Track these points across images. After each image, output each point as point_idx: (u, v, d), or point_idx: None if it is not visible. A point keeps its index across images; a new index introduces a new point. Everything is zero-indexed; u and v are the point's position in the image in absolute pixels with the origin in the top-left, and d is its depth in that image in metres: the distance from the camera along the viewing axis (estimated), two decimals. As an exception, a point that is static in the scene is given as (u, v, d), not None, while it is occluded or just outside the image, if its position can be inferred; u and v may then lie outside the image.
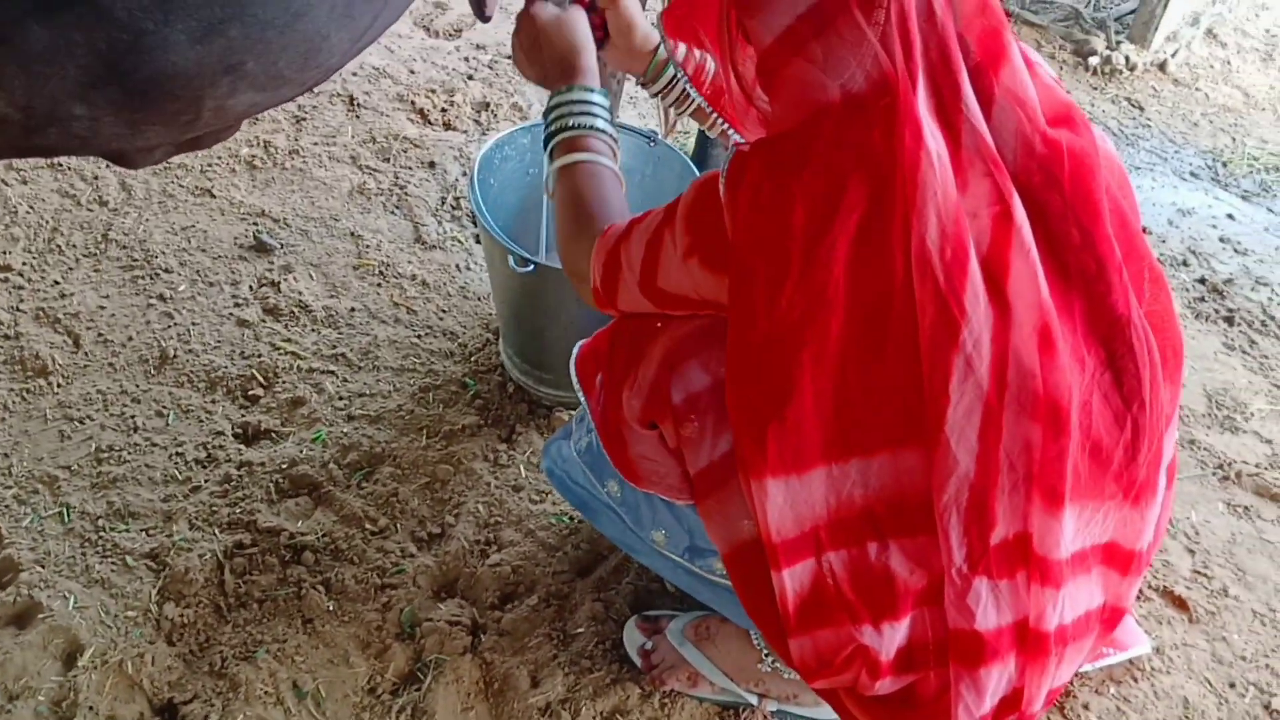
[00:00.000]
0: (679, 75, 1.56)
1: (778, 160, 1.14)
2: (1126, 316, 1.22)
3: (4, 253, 2.17)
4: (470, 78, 2.85)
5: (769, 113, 1.24)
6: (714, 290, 1.22)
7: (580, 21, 1.51)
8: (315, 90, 2.69)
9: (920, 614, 1.25)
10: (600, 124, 1.45)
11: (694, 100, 1.59)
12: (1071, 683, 1.66)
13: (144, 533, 1.74)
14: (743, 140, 1.51)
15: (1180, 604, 1.82)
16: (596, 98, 1.46)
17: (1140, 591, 1.82)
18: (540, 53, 1.52)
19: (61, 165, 2.38)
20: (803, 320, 1.13)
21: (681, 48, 1.55)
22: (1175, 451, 1.48)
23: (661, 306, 1.30)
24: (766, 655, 1.53)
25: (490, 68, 2.90)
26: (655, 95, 1.62)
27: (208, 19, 1.12)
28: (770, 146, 1.16)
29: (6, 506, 1.75)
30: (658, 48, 1.58)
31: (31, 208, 2.28)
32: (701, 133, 2.27)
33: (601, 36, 1.54)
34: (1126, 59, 3.30)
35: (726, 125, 1.62)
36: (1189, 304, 2.47)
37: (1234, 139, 3.10)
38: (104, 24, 1.07)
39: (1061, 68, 3.29)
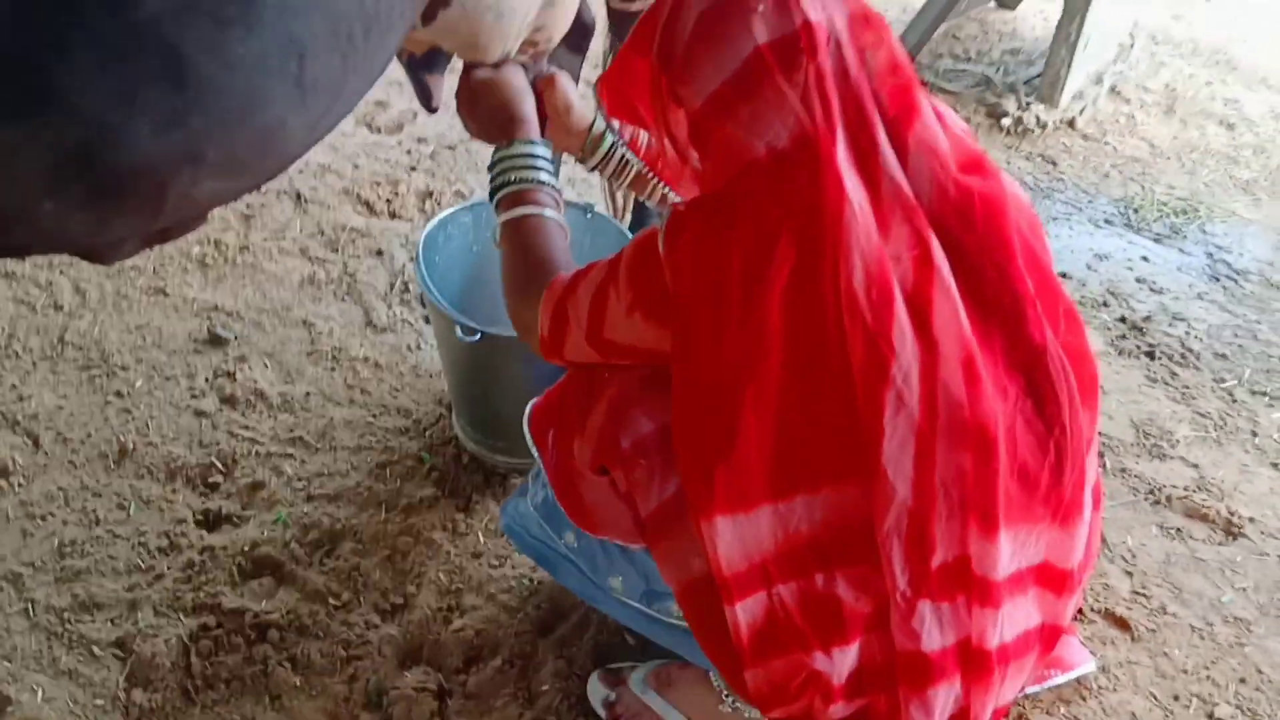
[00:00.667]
0: (617, 142, 1.65)
1: (713, 216, 1.23)
2: (1043, 346, 1.31)
3: (-40, 360, 2.20)
4: (413, 169, 2.95)
5: (702, 171, 1.34)
6: (657, 341, 1.30)
7: (515, 74, 1.58)
8: (263, 189, 2.76)
9: (869, 639, 1.31)
10: (543, 176, 1.52)
11: (633, 167, 1.68)
12: (1023, 704, 1.72)
13: (109, 622, 1.76)
14: (679, 200, 1.60)
15: (1122, 624, 1.90)
16: (538, 149, 1.54)
17: (1082, 613, 1.89)
18: (480, 110, 1.59)
19: (15, 274, 2.43)
20: (743, 363, 1.21)
21: (615, 122, 1.64)
22: (1099, 475, 1.56)
23: (608, 357, 1.38)
24: (727, 696, 1.58)
25: (432, 159, 3.00)
26: (594, 169, 1.71)
27: (169, 110, 1.18)
28: (705, 204, 1.25)
29: (-29, 606, 1.77)
30: (592, 124, 1.67)
31: (-14, 316, 2.32)
32: (638, 204, 2.37)
33: (541, 113, 1.63)
34: (1037, 118, 3.47)
35: (665, 188, 1.71)
36: (1111, 342, 2.59)
37: (1143, 187, 3.27)
38: (71, 121, 1.13)
39: (977, 130, 3.45)
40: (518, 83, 1.58)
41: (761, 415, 1.23)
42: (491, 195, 1.54)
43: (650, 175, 1.71)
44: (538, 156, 1.53)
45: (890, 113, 1.26)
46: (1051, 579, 1.41)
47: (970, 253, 1.28)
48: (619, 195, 2.39)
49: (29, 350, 2.26)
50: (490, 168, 1.55)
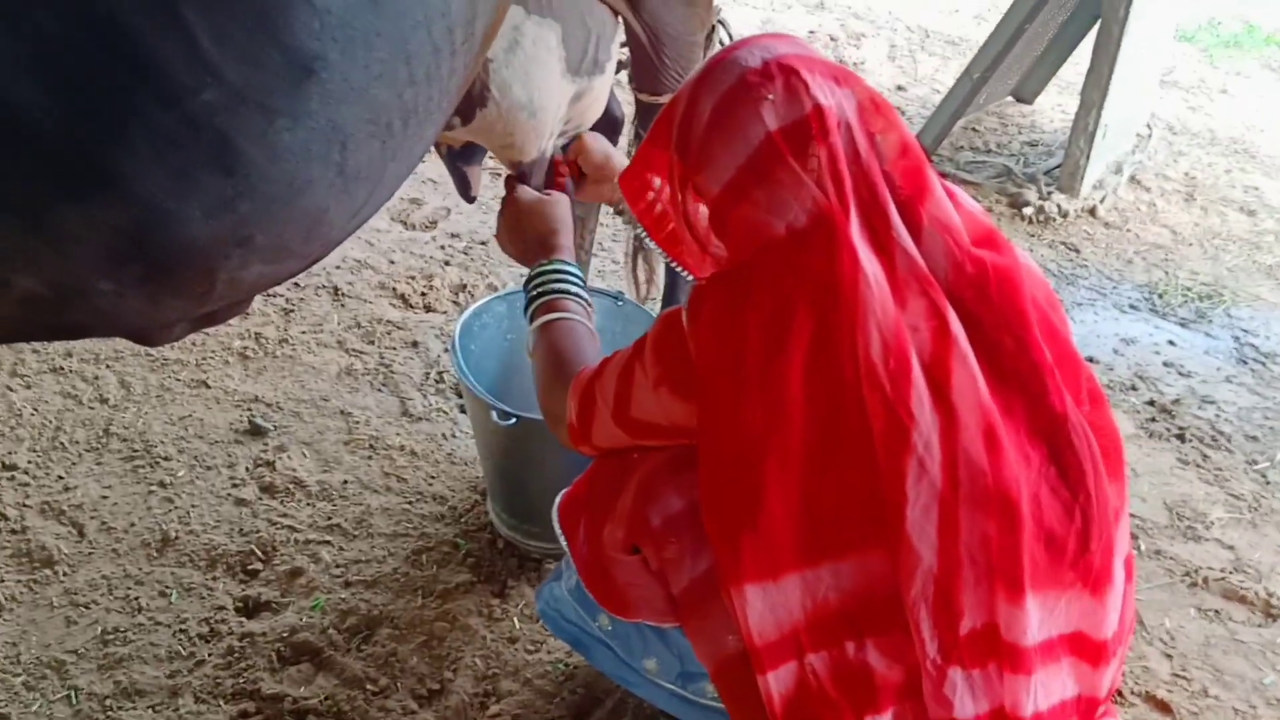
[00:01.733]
0: (639, 229, 1.72)
1: (733, 290, 1.28)
2: (1064, 414, 1.32)
3: (10, 453, 2.26)
4: (447, 263, 3.03)
5: (723, 255, 1.38)
6: (683, 415, 1.33)
7: (558, 205, 1.67)
8: (301, 284, 2.85)
9: (902, 707, 1.31)
10: (575, 289, 1.60)
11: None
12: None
13: (151, 709, 1.78)
14: (686, 272, 1.65)
15: (1164, 707, 1.87)
16: (572, 269, 1.62)
17: (1123, 696, 1.87)
18: (522, 232, 1.68)
19: (62, 369, 2.50)
20: (765, 432, 1.24)
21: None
22: (1131, 549, 1.57)
23: (635, 436, 1.41)
24: (764, 776, 1.57)
25: (465, 253, 3.08)
26: (628, 223, 1.78)
27: (220, 195, 1.25)
28: (725, 279, 1.30)
29: (16, 693, 1.79)
30: None
31: (35, 409, 2.39)
32: (668, 288, 2.43)
33: (577, 176, 1.71)
34: (1058, 207, 3.53)
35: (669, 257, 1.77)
36: (1141, 425, 2.60)
37: (1167, 272, 3.30)
38: (128, 203, 1.19)
39: (999, 219, 3.51)
40: (561, 213, 1.67)
41: (785, 483, 1.25)
42: (526, 307, 1.60)
43: (655, 248, 1.78)
44: (571, 274, 1.61)
45: (903, 192, 1.30)
46: (1086, 649, 1.41)
47: (987, 324, 1.30)
48: (641, 276, 2.45)
49: (75, 442, 2.32)
50: (526, 283, 1.62)
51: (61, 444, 2.31)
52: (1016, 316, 1.32)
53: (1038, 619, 1.32)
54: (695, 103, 1.33)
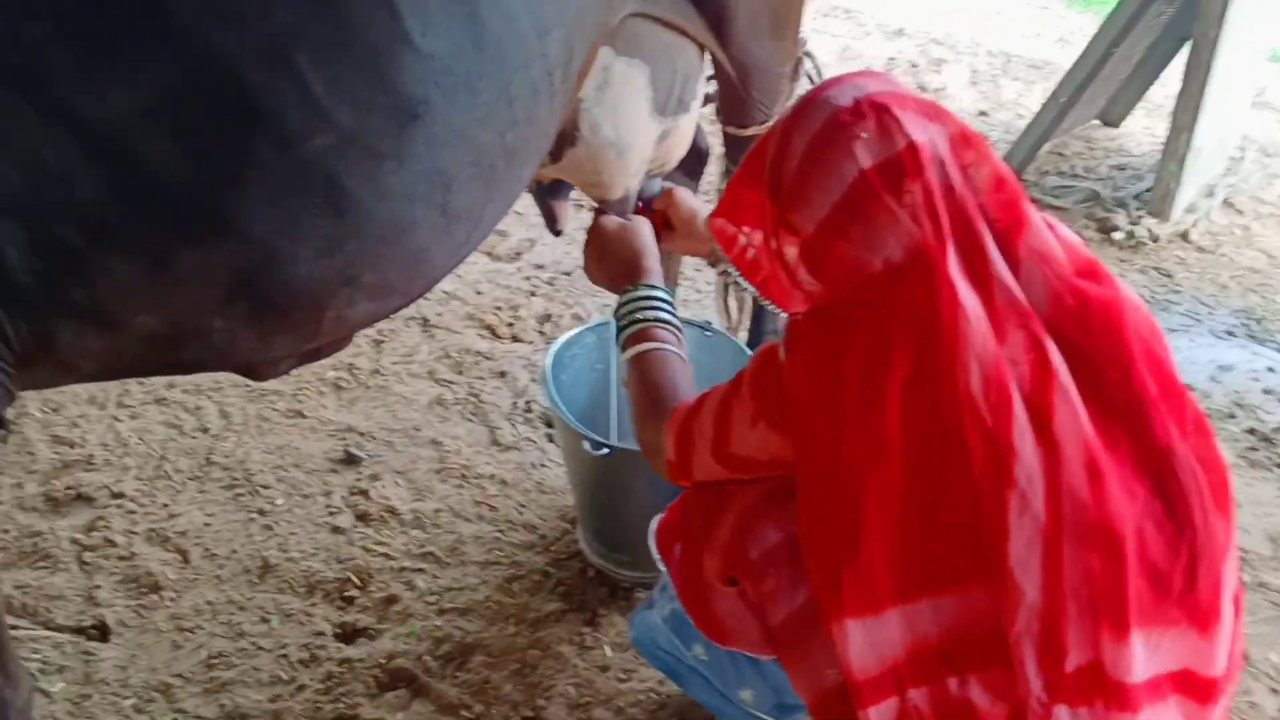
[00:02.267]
0: (732, 271, 1.73)
1: (830, 325, 1.28)
2: (1170, 448, 1.30)
3: (117, 481, 2.34)
4: (533, 294, 3.08)
5: (816, 291, 1.39)
6: (781, 450, 1.34)
7: (643, 229, 1.69)
8: (392, 315, 2.90)
9: (1006, 746, 1.30)
10: (666, 316, 1.61)
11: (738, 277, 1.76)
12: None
13: (254, 733, 1.83)
14: (778, 310, 1.66)
15: (1271, 745, 1.83)
16: (661, 294, 1.63)
17: (1229, 734, 1.83)
18: (608, 259, 1.70)
19: (166, 399, 2.59)
20: (864, 467, 1.24)
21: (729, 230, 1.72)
22: (1240, 584, 1.53)
23: (733, 471, 1.42)
24: (861, 810, 1.56)
25: (550, 284, 3.13)
26: (721, 273, 1.79)
27: (329, 236, 1.29)
28: (822, 314, 1.30)
29: (126, 716, 1.85)
30: None
31: (141, 439, 2.47)
32: (754, 321, 2.44)
33: (665, 227, 1.73)
34: (1149, 231, 3.46)
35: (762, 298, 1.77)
36: (1241, 454, 2.53)
37: (1264, 298, 3.22)
38: (243, 245, 1.24)
39: (1089, 244, 3.44)
40: (645, 237, 1.68)
41: (884, 518, 1.25)
42: (618, 335, 1.62)
43: (750, 289, 1.78)
44: (660, 299, 1.62)
45: (999, 225, 1.30)
46: (1193, 687, 1.37)
47: (1089, 357, 1.29)
48: (731, 308, 2.47)
49: (179, 470, 2.40)
50: (616, 310, 1.64)
51: (166, 472, 2.39)
52: (1119, 349, 1.30)
53: (1143, 656, 1.29)
54: (787, 142, 1.33)
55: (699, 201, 1.77)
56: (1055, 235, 1.34)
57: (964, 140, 1.31)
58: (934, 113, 1.30)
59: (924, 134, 1.27)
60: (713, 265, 1.80)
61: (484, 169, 1.42)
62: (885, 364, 1.23)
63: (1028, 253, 1.29)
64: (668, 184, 1.81)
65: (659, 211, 1.75)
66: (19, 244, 1.11)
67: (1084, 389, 1.27)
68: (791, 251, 1.38)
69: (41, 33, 1.06)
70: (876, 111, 1.27)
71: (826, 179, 1.29)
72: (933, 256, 1.24)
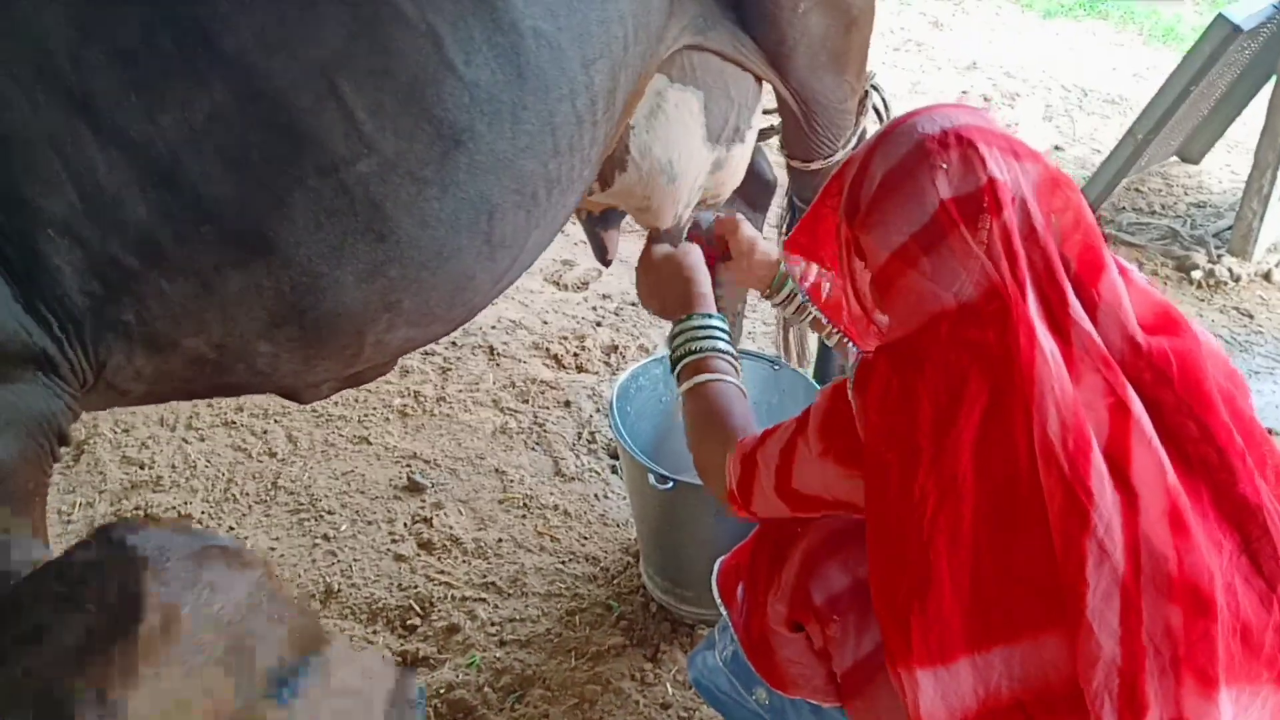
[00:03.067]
0: (799, 292, 1.71)
1: (902, 363, 1.25)
2: (1258, 503, 1.25)
3: (185, 503, 2.37)
4: (599, 324, 3.08)
5: (887, 323, 1.37)
6: (847, 490, 1.31)
7: (693, 256, 1.67)
8: (458, 344, 2.93)
9: (1084, 804, 1.25)
10: (721, 345, 1.59)
11: (811, 311, 1.74)
12: None
13: (312, 759, 1.82)
14: (854, 346, 1.64)
15: (1361, 811, 1.74)
16: (715, 322, 1.61)
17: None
18: (660, 287, 1.69)
19: (234, 423, 2.62)
20: (936, 509, 1.21)
21: (800, 265, 1.70)
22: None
23: (795, 509, 1.39)
24: None
25: (616, 314, 3.12)
26: (776, 305, 1.77)
27: (371, 261, 1.31)
28: (893, 351, 1.28)
29: (187, 737, 1.86)
30: (778, 263, 1.74)
31: (209, 462, 2.50)
32: (819, 360, 2.41)
33: (724, 257, 1.72)
34: (1230, 270, 3.38)
35: (840, 334, 1.75)
36: (1327, 503, 2.44)
37: (1351, 340, 3.13)
38: (288, 269, 1.26)
39: (1165, 283, 3.38)
40: (695, 263, 1.67)
41: (955, 563, 1.22)
42: (673, 366, 1.61)
43: (828, 323, 1.76)
44: (715, 328, 1.60)
45: (1076, 269, 1.27)
46: (1279, 749, 1.32)
47: (1168, 408, 1.25)
48: (793, 343, 2.44)
49: (245, 494, 2.42)
50: (670, 340, 1.62)
51: (233, 495, 2.41)
52: (1200, 399, 1.26)
53: (1230, 714, 1.24)
54: (868, 165, 1.32)
55: (759, 235, 1.76)
56: (1128, 281, 1.30)
57: (1052, 183, 1.28)
58: (1023, 151, 1.28)
59: (1007, 173, 1.25)
60: (767, 298, 1.78)
61: (526, 197, 1.43)
62: (959, 405, 1.20)
63: (1104, 299, 1.26)
64: (723, 213, 1.80)
65: (718, 237, 1.74)
66: (76, 265, 1.13)
67: (1164, 441, 1.23)
68: (864, 279, 1.36)
69: (98, 58, 1.09)
70: (961, 145, 1.25)
71: (907, 205, 1.27)
72: (1010, 297, 1.21)
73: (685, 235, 1.85)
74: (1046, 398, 1.19)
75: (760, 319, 3.08)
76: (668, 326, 1.66)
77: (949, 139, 1.25)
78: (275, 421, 2.64)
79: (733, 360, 1.59)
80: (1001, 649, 1.23)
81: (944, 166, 1.25)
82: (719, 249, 1.74)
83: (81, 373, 1.19)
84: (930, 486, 1.22)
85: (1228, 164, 4.11)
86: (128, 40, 1.10)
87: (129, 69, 1.10)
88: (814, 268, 1.70)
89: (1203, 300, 3.32)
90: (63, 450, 1.20)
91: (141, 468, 2.47)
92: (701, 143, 1.84)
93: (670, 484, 1.83)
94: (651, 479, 1.85)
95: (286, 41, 1.17)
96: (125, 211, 1.13)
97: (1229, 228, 3.54)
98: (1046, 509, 1.19)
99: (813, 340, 2.45)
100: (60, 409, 1.16)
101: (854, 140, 2.10)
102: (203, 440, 2.58)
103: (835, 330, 1.75)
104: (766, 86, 1.93)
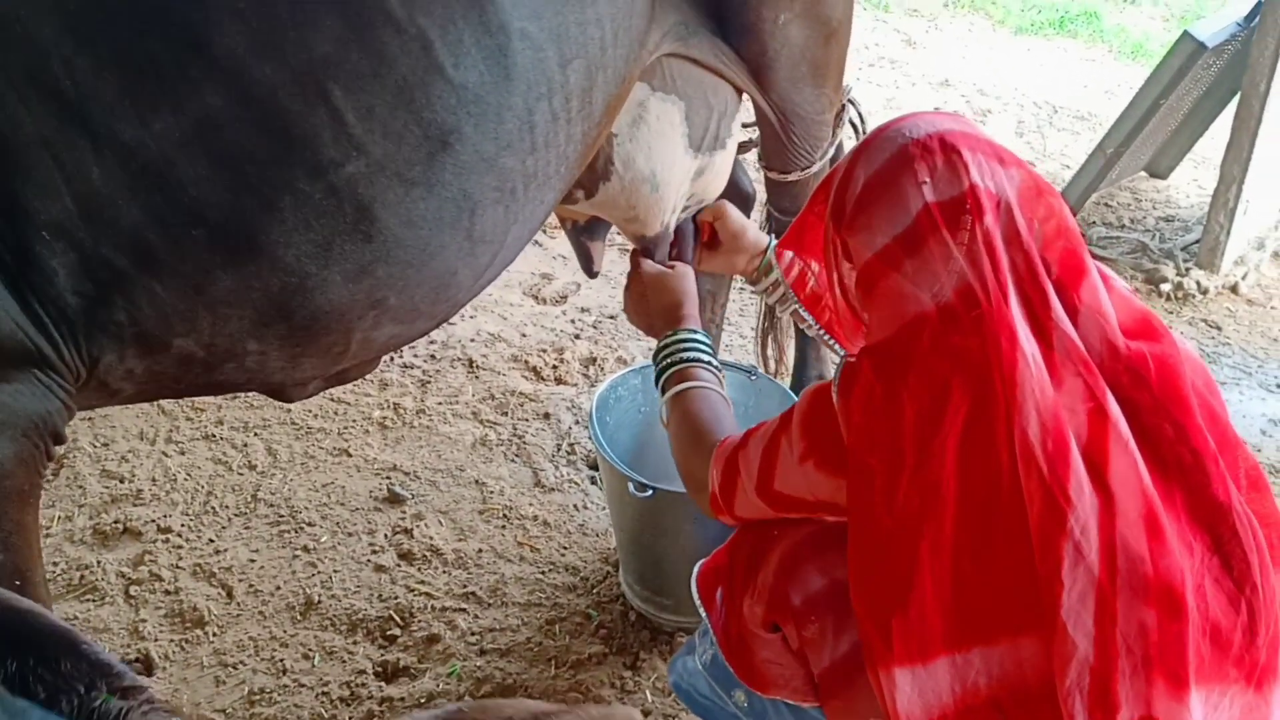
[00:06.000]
0: (783, 282, 1.74)
1: (885, 366, 1.28)
2: (1228, 504, 1.28)
3: (165, 516, 2.37)
4: (577, 337, 3.09)
5: (869, 323, 1.39)
6: (829, 491, 1.33)
7: (682, 276, 1.71)
8: (437, 356, 2.94)
9: (1055, 799, 1.27)
10: (704, 357, 1.62)
11: (792, 303, 1.76)
12: None
13: (294, 769, 1.83)
14: (835, 344, 1.66)
15: (1329, 810, 1.77)
16: (700, 337, 1.64)
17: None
18: (648, 304, 1.71)
19: (214, 436, 2.62)
20: (919, 514, 1.23)
21: (787, 255, 1.73)
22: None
23: (778, 509, 1.41)
24: None
25: (595, 327, 3.14)
26: (760, 293, 1.80)
27: (359, 261, 1.33)
28: (877, 354, 1.30)
29: (167, 749, 1.86)
30: (765, 250, 1.77)
31: (189, 475, 2.50)
32: (798, 366, 2.44)
33: (711, 241, 1.75)
34: (1198, 284, 3.43)
35: (820, 328, 1.78)
36: (1294, 510, 2.48)
37: (1316, 351, 3.18)
38: (276, 269, 1.28)
39: (1135, 295, 3.43)
40: (685, 284, 1.70)
41: (937, 565, 1.24)
42: (657, 379, 1.63)
43: (808, 315, 1.78)
44: (699, 342, 1.63)
45: (1057, 274, 1.29)
46: (1248, 746, 1.35)
47: (1146, 410, 1.27)
48: (770, 354, 2.47)
49: (225, 507, 2.42)
50: (655, 354, 1.65)
51: (213, 508, 2.41)
52: (1176, 402, 1.29)
53: (1200, 714, 1.27)
54: (853, 170, 1.35)
55: (747, 220, 1.79)
56: (1109, 287, 1.33)
57: (1036, 190, 1.31)
58: (1008, 158, 1.31)
59: (991, 178, 1.28)
60: (753, 284, 1.81)
61: (506, 193, 1.46)
62: (942, 409, 1.22)
63: (1085, 304, 1.29)
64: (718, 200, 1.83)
65: (706, 224, 1.77)
66: (70, 266, 1.15)
67: (1140, 443, 1.25)
68: (850, 280, 1.38)
69: (92, 62, 1.10)
70: (945, 150, 1.27)
71: (891, 208, 1.29)
72: (993, 300, 1.23)
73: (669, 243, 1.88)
74: (1027, 401, 1.21)
75: (737, 332, 3.11)
76: (646, 340, 1.68)
77: (933, 144, 1.28)
78: (255, 434, 2.64)
79: (716, 372, 1.62)
80: (980, 649, 1.25)
81: (928, 171, 1.28)
82: (706, 233, 1.78)
83: (75, 371, 1.20)
84: (914, 492, 1.24)
85: (1195, 179, 4.18)
86: (120, 46, 1.12)
87: (122, 74, 1.12)
88: (798, 260, 1.73)
89: (1171, 313, 3.37)
90: (57, 449, 1.21)
91: (121, 481, 2.46)
92: (684, 152, 1.86)
93: (649, 492, 1.85)
94: (631, 487, 1.86)
95: (277, 46, 1.19)
96: (118, 214, 1.15)
97: (1196, 241, 3.60)
98: (1027, 512, 1.21)
99: (790, 351, 2.48)
100: (56, 408, 1.17)
101: (830, 152, 2.14)
102: (183, 453, 2.58)
103: (815, 324, 1.78)
104: (745, 97, 1.96)
